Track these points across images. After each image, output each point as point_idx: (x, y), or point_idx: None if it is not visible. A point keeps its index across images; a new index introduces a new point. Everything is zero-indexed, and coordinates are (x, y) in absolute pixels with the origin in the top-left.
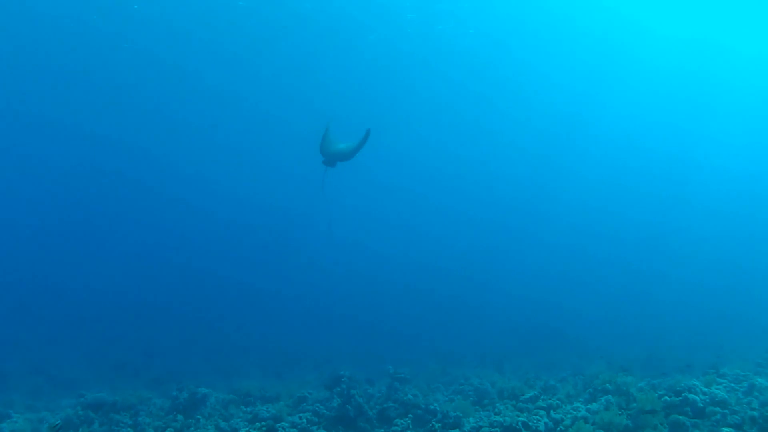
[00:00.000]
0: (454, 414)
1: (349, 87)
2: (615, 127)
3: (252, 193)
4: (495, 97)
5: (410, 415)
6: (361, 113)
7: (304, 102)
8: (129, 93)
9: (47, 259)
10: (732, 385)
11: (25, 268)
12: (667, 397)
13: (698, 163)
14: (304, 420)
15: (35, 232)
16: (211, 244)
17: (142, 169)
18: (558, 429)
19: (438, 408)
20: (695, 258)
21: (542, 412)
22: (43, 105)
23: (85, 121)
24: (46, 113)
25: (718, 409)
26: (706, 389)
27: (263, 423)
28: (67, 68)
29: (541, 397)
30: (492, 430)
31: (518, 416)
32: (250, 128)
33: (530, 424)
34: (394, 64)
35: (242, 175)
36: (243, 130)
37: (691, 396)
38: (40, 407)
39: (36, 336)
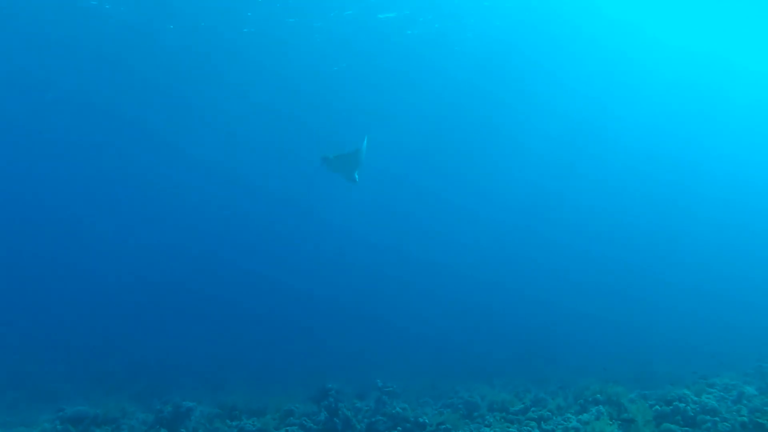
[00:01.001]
0: (444, 427)
1: (365, 88)
2: (620, 132)
3: (241, 200)
4: (510, 102)
5: (399, 429)
6: (376, 115)
7: (316, 100)
8: (146, 89)
9: (28, 265)
10: (722, 394)
11: (4, 274)
12: (658, 407)
13: (697, 172)
14: None
15: (14, 237)
16: (197, 254)
17: (134, 173)
18: None
19: (427, 421)
20: (684, 270)
21: (533, 423)
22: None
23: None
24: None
25: (708, 417)
26: (696, 398)
27: None
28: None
29: (532, 408)
30: None
31: (509, 428)
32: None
33: None
34: (405, 66)
35: (230, 183)
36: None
37: (682, 405)
38: (16, 422)
39: (14, 347)
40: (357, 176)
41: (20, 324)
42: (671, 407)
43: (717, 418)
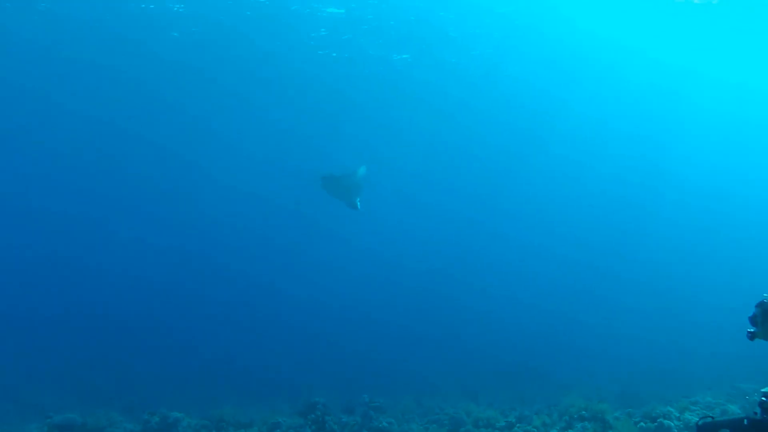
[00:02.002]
0: None
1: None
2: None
3: (232, 210)
4: (493, 107)
5: None
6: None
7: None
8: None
9: (17, 278)
10: (705, 411)
11: None
12: (642, 424)
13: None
14: None
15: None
16: (184, 268)
17: (128, 177)
18: None
19: None
20: (663, 290)
21: None
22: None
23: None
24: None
25: None
26: (680, 415)
27: None
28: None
29: (517, 425)
30: None
31: None
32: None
33: None
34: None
35: (218, 193)
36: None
37: (666, 422)
38: (5, 431)
39: (3, 359)
40: (359, 203)
41: (9, 337)
42: (656, 424)
43: None
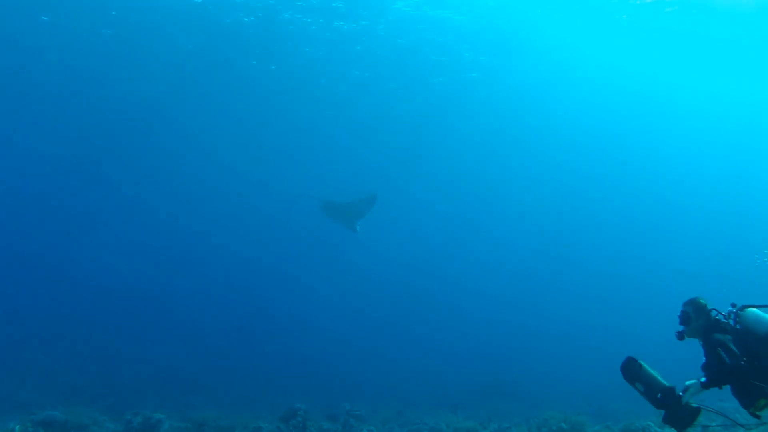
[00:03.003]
0: None
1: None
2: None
3: (221, 217)
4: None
5: None
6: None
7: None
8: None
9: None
10: None
11: None
12: None
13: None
14: None
15: None
16: (172, 271)
17: (123, 180)
18: None
19: None
20: (642, 309)
21: None
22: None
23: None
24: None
25: None
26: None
27: None
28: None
29: None
30: None
31: None
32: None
33: None
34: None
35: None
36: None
37: None
38: None
39: None
40: (358, 227)
41: None
42: None
43: None
